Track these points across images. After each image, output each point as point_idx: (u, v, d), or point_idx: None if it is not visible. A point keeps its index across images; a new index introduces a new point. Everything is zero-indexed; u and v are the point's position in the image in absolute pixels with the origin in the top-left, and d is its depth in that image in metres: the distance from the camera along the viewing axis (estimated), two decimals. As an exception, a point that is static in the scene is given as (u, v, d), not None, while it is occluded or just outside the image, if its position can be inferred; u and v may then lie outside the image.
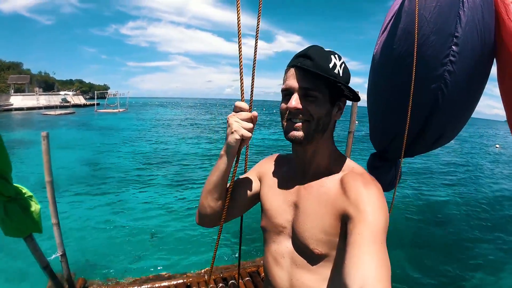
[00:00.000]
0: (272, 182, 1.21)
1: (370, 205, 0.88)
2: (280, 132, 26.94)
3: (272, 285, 1.13)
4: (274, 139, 22.22)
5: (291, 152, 1.21)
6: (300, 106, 0.96)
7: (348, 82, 1.02)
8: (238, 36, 1.02)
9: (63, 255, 2.20)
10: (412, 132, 1.68)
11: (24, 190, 1.97)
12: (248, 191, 1.24)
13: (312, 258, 1.02)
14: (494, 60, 1.64)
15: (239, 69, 1.06)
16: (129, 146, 16.66)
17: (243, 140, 1.03)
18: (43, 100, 53.38)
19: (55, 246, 2.30)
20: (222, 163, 1.08)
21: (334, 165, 1.07)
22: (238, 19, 1.01)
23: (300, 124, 0.98)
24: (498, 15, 1.47)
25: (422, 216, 8.06)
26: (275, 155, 1.33)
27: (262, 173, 1.27)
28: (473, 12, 1.44)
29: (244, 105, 1.03)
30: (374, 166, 2.18)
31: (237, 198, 1.23)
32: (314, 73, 0.93)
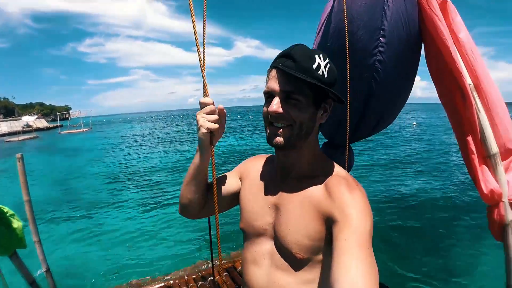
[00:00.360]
0: (253, 183, 1.19)
1: (355, 209, 0.88)
2: (247, 138, 27.21)
3: (249, 286, 1.11)
4: (240, 144, 22.31)
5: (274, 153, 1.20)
6: (281, 110, 0.93)
7: (334, 82, 0.98)
8: (194, 31, 0.96)
9: (48, 271, 2.25)
10: (354, 119, 1.84)
11: (6, 209, 2.02)
12: (228, 189, 1.22)
13: (294, 261, 1.00)
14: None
15: (200, 68, 1.01)
16: (97, 166, 16.36)
17: (212, 133, 1.02)
18: (4, 126, 51.74)
19: (39, 265, 2.35)
20: (196, 157, 1.08)
21: (317, 168, 1.06)
22: (192, 18, 0.96)
23: (282, 129, 0.96)
24: (420, 5, 1.66)
25: (394, 204, 8.30)
26: (258, 156, 1.31)
27: (243, 173, 1.25)
28: (397, 6, 1.61)
29: (208, 99, 1.01)
30: (327, 154, 2.33)
31: (217, 194, 1.19)
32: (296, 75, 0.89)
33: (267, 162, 1.24)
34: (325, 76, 0.93)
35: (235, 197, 1.24)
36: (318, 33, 2.02)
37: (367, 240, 0.82)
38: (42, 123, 66.75)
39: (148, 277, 3.26)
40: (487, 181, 1.58)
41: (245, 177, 1.24)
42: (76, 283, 4.97)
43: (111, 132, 45.64)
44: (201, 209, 1.21)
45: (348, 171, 2.13)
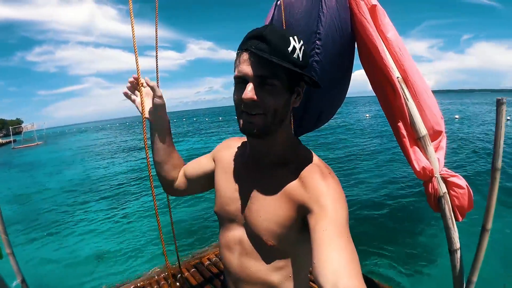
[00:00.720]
0: (226, 166, 1.16)
1: (330, 198, 0.87)
2: (204, 140, 27.20)
3: (226, 269, 1.14)
4: (198, 147, 22.21)
5: None
6: (255, 97, 0.87)
7: (307, 66, 0.95)
8: (132, 31, 1.00)
9: (23, 281, 2.28)
10: (297, 114, 2.04)
11: None
12: (201, 170, 1.26)
13: (264, 248, 1.00)
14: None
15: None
16: (56, 179, 15.83)
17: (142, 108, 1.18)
18: (-45, 146, 48.80)
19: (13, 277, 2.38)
20: None
21: (290, 154, 1.03)
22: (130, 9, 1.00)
23: (256, 117, 0.90)
24: (352, 10, 1.86)
25: (357, 197, 8.57)
26: (232, 139, 1.28)
27: (217, 157, 1.23)
28: (330, 12, 1.80)
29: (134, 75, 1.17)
30: None
31: (189, 175, 1.28)
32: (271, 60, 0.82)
33: (241, 146, 1.20)
34: (300, 59, 0.90)
35: (209, 179, 1.25)
36: None
37: (345, 228, 0.82)
38: (-5, 139, 63.81)
39: (119, 283, 3.31)
40: (419, 160, 1.79)
41: (219, 160, 1.21)
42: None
43: (67, 144, 44.14)
44: (172, 186, 1.31)
45: None
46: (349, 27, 1.89)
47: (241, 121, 0.93)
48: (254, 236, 1.02)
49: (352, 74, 2.14)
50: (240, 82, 0.90)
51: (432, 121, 1.84)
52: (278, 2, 1.89)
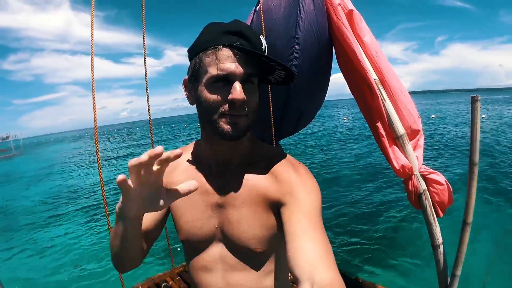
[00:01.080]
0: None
1: (303, 190, 0.85)
2: (184, 145, 26.87)
3: None
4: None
5: (189, 144, 1.06)
6: (245, 97, 0.78)
7: None
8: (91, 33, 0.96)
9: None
10: (276, 118, 2.06)
11: None
12: (160, 215, 1.06)
13: (253, 257, 0.95)
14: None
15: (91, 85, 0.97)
16: (34, 190, 15.41)
17: None
18: None
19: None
20: None
21: (255, 153, 0.97)
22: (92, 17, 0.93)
23: (241, 118, 0.82)
24: (329, 15, 1.90)
25: (339, 200, 8.55)
26: None
27: (167, 184, 0.94)
28: (308, 17, 1.84)
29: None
30: None
31: (149, 230, 1.03)
32: (257, 55, 0.78)
33: (192, 157, 1.04)
34: None
35: (164, 215, 1.08)
36: None
37: (319, 219, 0.81)
38: (-30, 152, 61.87)
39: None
40: (398, 159, 1.84)
41: (171, 183, 0.99)
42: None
43: (44, 154, 42.99)
44: (143, 257, 1.03)
45: None
46: (327, 31, 1.94)
47: (224, 125, 0.82)
48: (238, 248, 0.94)
49: (331, 77, 2.17)
50: (220, 80, 0.80)
51: (410, 121, 1.88)
52: (257, 8, 1.91)
